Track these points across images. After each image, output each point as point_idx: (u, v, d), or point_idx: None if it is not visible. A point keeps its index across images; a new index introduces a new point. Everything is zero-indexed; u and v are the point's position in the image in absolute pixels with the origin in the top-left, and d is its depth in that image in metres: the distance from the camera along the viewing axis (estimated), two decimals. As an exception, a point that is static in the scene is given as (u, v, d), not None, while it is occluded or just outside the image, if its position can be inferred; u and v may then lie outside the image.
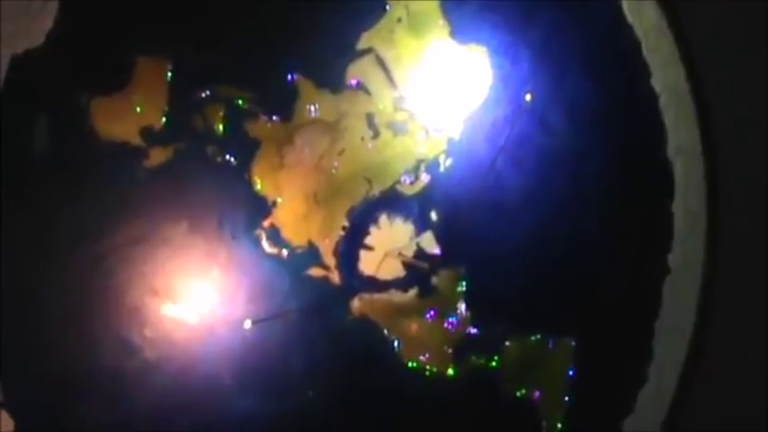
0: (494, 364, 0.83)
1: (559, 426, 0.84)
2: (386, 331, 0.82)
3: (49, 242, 0.75)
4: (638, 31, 0.83)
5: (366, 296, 0.82)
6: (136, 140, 0.77)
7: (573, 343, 0.84)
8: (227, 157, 0.78)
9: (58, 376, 0.76)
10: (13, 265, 0.75)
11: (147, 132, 0.77)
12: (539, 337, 0.84)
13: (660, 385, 0.84)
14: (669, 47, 0.83)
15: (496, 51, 0.82)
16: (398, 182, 0.81)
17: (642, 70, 0.83)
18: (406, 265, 0.81)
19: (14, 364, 0.75)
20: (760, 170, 0.85)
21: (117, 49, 0.76)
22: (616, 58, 0.83)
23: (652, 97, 0.83)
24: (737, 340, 0.86)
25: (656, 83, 0.83)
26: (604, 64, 0.83)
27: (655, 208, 0.84)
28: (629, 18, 0.83)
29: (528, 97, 0.82)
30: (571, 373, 0.84)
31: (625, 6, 0.83)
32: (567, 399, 0.85)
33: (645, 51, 0.83)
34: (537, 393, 0.84)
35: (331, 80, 0.80)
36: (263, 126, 0.79)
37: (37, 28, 0.75)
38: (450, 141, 0.82)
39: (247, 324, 0.77)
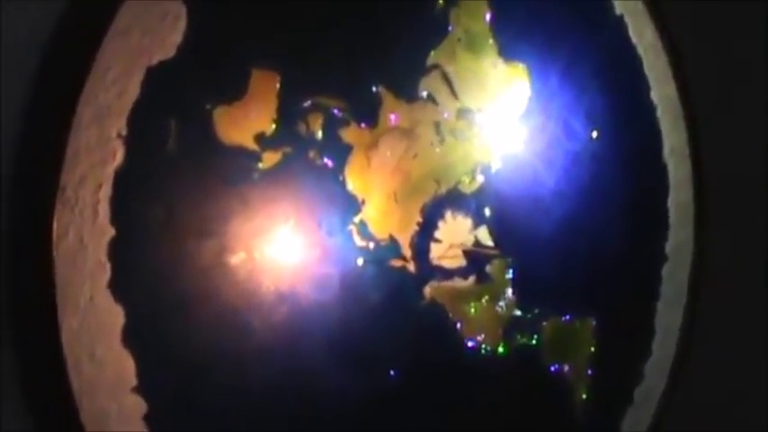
0: (534, 342, 1.18)
1: (584, 396, 1.20)
2: (450, 314, 1.14)
3: (179, 232, 1.00)
4: (640, 50, 1.19)
5: (435, 283, 1.13)
6: (251, 145, 1.04)
7: (594, 322, 1.20)
8: (325, 160, 1.08)
9: (185, 358, 1.02)
10: (148, 253, 1.00)
11: (260, 138, 1.03)
12: (568, 317, 1.19)
13: (662, 357, 1.22)
14: (663, 64, 1.22)
15: (533, 69, 1.17)
16: (460, 182, 1.14)
17: (644, 84, 1.20)
18: (466, 254, 1.14)
19: (147, 349, 1.01)
20: (740, 168, 1.25)
21: (235, 63, 1.03)
22: (624, 74, 1.20)
23: (651, 107, 1.21)
24: (725, 315, 1.23)
25: (654, 95, 1.21)
26: (615, 80, 1.18)
27: (654, 202, 1.21)
28: (633, 39, 1.19)
29: (555, 110, 1.17)
30: (592, 349, 1.20)
31: (630, 29, 1.20)
32: (590, 372, 1.20)
33: (645, 68, 1.21)
34: (567, 368, 1.19)
35: (407, 92, 1.06)
36: (355, 132, 1.09)
37: (169, 43, 1.01)
38: (498, 146, 1.16)
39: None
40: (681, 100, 1.16)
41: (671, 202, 1.16)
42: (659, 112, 1.15)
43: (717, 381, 1.16)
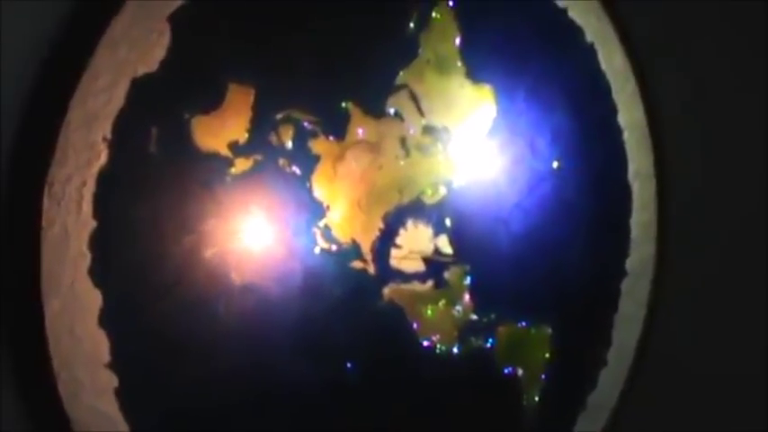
0: (488, 345, 1.34)
1: (536, 399, 1.34)
2: (407, 314, 1.33)
3: (155, 228, 1.12)
4: (610, 76, 1.31)
5: (394, 285, 1.27)
6: (225, 152, 1.20)
7: (549, 330, 1.37)
8: (294, 168, 1.26)
9: (156, 340, 1.13)
10: (125, 245, 1.15)
11: (233, 146, 1.18)
12: (523, 324, 1.34)
13: (617, 368, 1.34)
14: (632, 89, 1.38)
15: (499, 90, 1.34)
16: (423, 193, 1.32)
17: (612, 109, 1.33)
18: (425, 260, 1.33)
19: (121, 330, 1.18)
20: (702, 192, 1.38)
21: (213, 77, 1.19)
22: (592, 97, 1.33)
23: (618, 131, 1.36)
24: (682, 330, 1.32)
25: (621, 119, 1.34)
26: (583, 102, 1.31)
27: (617, 220, 1.34)
28: (603, 65, 1.31)
29: (521, 129, 1.34)
30: (547, 355, 1.37)
31: (600, 55, 1.33)
32: (543, 377, 1.36)
33: (614, 93, 1.34)
34: (520, 371, 1.34)
35: (375, 108, 1.18)
36: (323, 144, 1.25)
37: (153, 57, 1.21)
38: (462, 162, 1.33)
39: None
40: (648, 124, 1.27)
41: (633, 221, 1.28)
42: (625, 136, 1.27)
43: (672, 392, 1.30)
